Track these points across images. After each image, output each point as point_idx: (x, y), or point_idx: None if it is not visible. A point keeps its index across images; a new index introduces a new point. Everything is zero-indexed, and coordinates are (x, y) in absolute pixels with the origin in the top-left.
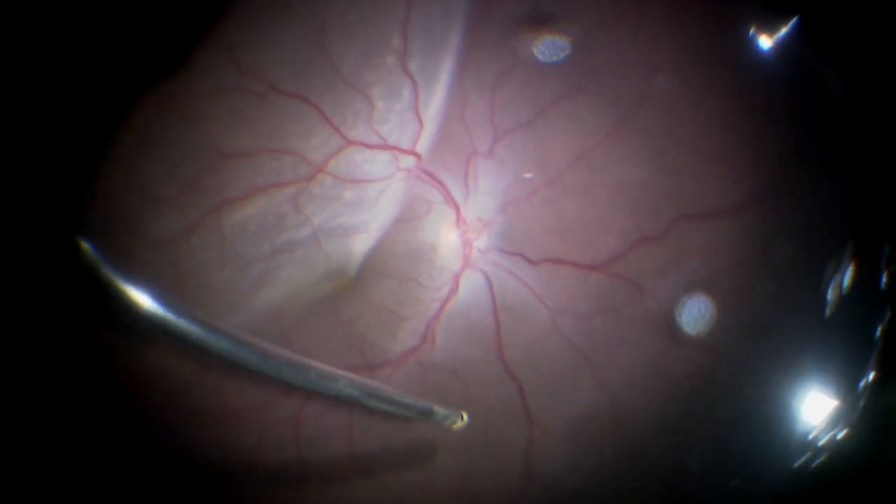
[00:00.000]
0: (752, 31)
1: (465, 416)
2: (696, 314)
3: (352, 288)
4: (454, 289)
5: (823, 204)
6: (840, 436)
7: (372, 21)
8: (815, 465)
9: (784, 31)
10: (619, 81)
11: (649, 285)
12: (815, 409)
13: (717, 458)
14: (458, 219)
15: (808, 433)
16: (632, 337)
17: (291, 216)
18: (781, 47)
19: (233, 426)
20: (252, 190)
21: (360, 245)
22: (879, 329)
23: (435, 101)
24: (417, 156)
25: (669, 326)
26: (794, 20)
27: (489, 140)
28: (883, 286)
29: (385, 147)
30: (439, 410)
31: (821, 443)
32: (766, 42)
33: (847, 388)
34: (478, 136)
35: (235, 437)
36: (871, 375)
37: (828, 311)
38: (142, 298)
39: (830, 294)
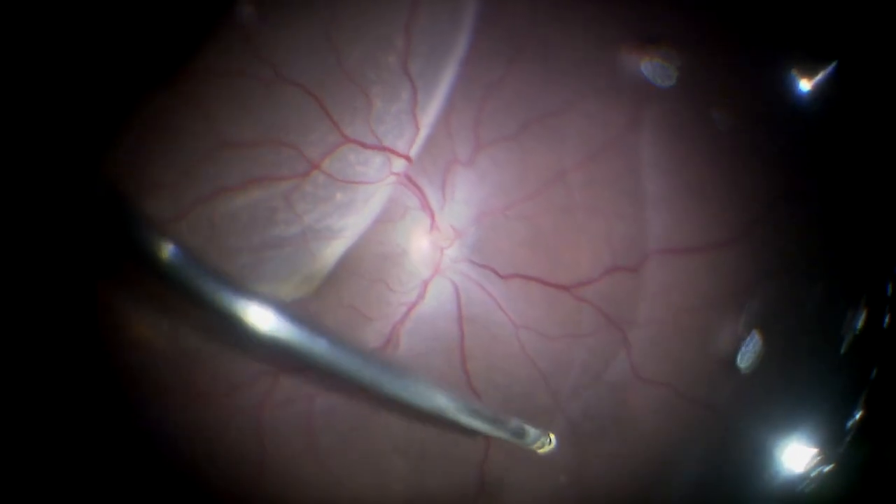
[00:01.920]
0: (751, 69)
1: (553, 439)
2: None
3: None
4: (422, 295)
5: (804, 245)
6: (826, 470)
7: (378, 16)
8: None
9: (783, 72)
10: (609, 104)
11: (615, 315)
12: (800, 450)
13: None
14: (432, 225)
15: (791, 473)
16: (593, 363)
17: (283, 212)
18: (782, 87)
19: (199, 407)
20: (248, 181)
21: (342, 248)
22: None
23: (433, 107)
24: (410, 160)
25: (631, 358)
26: (793, 67)
27: (470, 149)
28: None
29: (380, 148)
30: (531, 431)
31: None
32: (765, 81)
33: (835, 426)
34: (460, 143)
35: (200, 419)
36: (859, 415)
37: (803, 358)
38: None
39: (803, 336)
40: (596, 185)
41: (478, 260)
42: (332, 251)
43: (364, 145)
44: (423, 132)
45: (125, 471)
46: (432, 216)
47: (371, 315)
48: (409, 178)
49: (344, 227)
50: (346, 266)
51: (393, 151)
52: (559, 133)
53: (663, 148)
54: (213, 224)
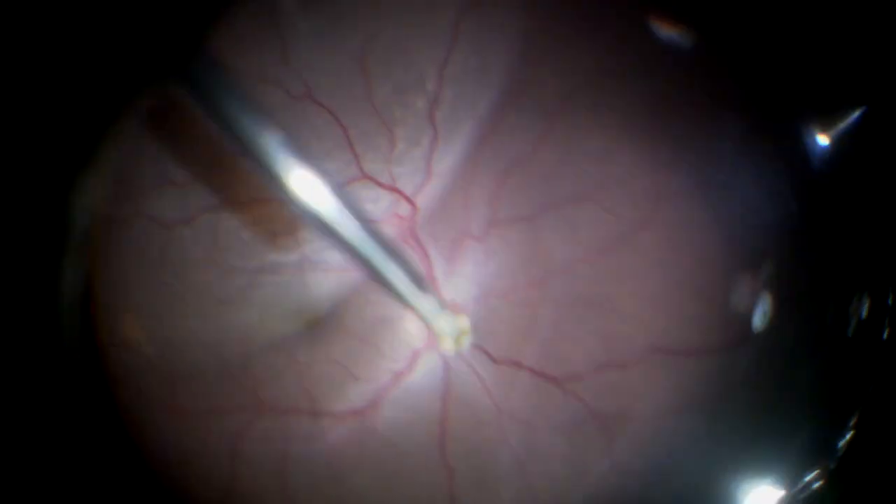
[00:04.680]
0: (766, 170)
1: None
2: (638, 446)
3: (317, 327)
4: (411, 366)
5: (799, 376)
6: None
7: (412, 54)
8: None
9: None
10: (627, 200)
11: (603, 411)
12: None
13: None
14: None
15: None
16: (572, 457)
17: (284, 236)
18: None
19: (177, 424)
20: (255, 199)
21: (335, 283)
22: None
23: (448, 159)
24: (415, 207)
25: (612, 454)
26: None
27: (484, 224)
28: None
29: (393, 189)
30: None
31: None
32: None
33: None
34: (475, 216)
35: (176, 436)
36: (849, 436)
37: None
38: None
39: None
40: (601, 280)
41: (472, 341)
42: (326, 284)
43: (380, 184)
44: (434, 182)
45: (97, 468)
46: (435, 287)
47: (359, 375)
48: (419, 243)
49: (340, 262)
50: (341, 320)
51: (403, 195)
52: (574, 221)
53: (674, 249)
54: (215, 238)
